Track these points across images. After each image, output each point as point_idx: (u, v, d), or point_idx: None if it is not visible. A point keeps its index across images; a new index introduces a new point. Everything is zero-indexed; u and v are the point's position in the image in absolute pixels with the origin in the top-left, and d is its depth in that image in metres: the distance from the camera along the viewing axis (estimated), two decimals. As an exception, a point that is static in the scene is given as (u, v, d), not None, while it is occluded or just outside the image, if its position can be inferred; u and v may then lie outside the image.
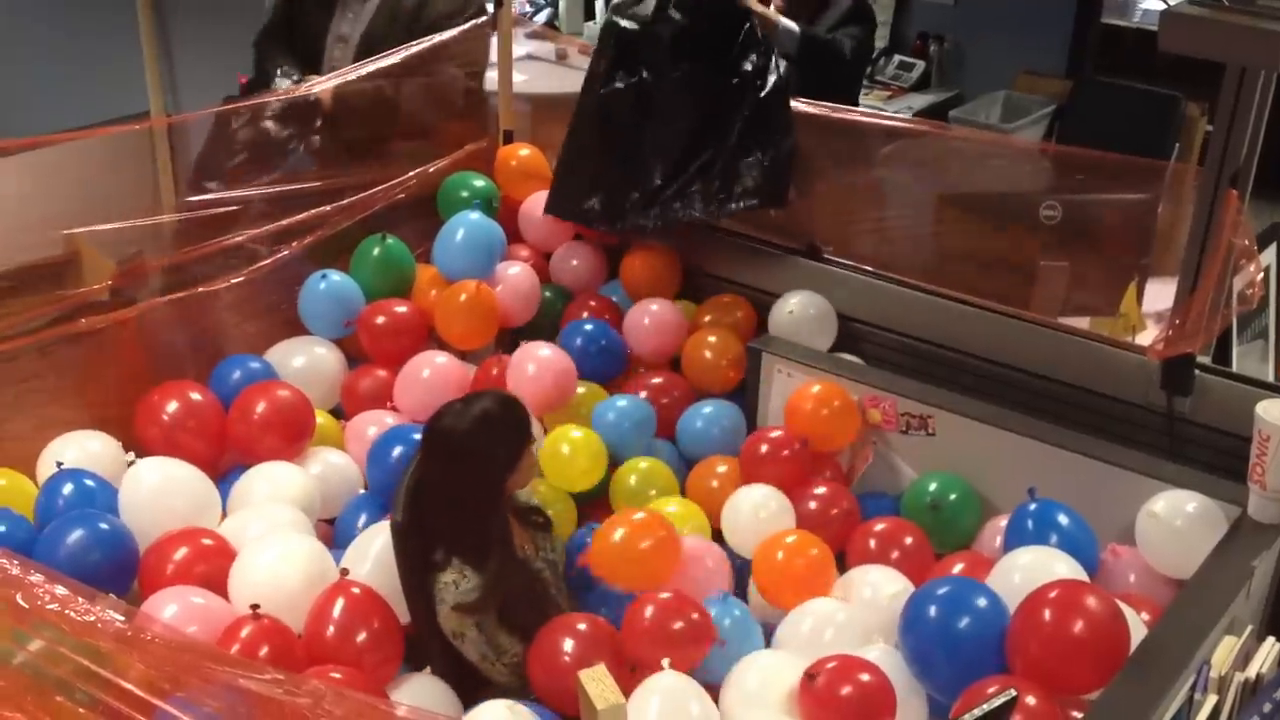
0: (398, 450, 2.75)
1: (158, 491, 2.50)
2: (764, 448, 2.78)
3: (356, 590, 2.24)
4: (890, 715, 2.05)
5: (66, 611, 1.47)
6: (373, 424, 2.94)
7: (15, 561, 1.56)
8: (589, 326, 3.21)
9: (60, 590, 1.49)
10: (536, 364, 2.97)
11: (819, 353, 3.05)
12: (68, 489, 2.52)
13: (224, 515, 2.61)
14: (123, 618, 1.46)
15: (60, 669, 1.45)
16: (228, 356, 3.03)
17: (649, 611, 2.24)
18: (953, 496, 2.68)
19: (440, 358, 3.09)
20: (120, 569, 2.35)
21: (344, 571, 2.29)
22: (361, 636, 2.17)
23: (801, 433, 2.79)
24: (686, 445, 3.03)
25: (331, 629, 2.17)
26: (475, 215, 3.32)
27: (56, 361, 2.76)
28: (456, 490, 2.32)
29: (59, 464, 2.59)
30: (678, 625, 2.22)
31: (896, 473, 2.82)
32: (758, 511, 2.65)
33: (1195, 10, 2.33)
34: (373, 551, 2.41)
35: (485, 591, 2.28)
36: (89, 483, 2.55)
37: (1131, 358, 2.71)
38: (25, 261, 2.81)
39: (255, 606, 2.14)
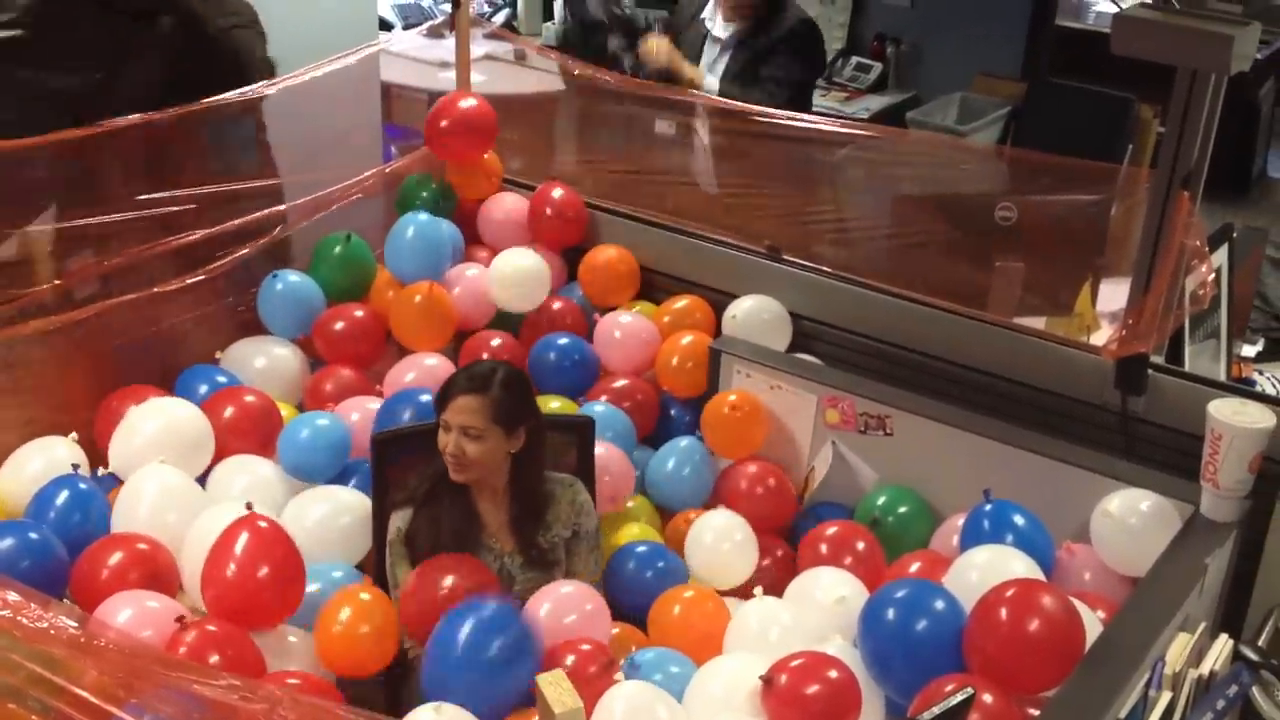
0: (408, 413, 2.81)
1: (155, 508, 2.48)
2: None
3: (263, 524, 2.27)
4: (856, 711, 2.06)
5: (19, 618, 1.45)
6: (356, 410, 2.95)
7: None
8: (563, 341, 3.18)
9: (12, 596, 1.47)
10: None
11: (778, 353, 3.06)
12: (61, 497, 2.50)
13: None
14: (76, 624, 1.44)
15: (12, 676, 1.42)
16: (191, 366, 3.00)
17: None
18: (902, 509, 2.71)
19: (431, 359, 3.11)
20: (50, 577, 2.32)
21: (249, 505, 2.32)
22: (263, 571, 2.21)
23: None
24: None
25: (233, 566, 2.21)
26: (424, 216, 3.32)
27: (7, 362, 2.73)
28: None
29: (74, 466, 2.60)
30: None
31: (856, 473, 2.83)
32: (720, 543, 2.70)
33: (1146, 14, 2.36)
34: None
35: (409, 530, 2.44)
36: (82, 486, 2.55)
37: (1086, 357, 2.73)
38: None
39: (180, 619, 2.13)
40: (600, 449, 2.76)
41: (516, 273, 3.29)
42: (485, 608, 2.12)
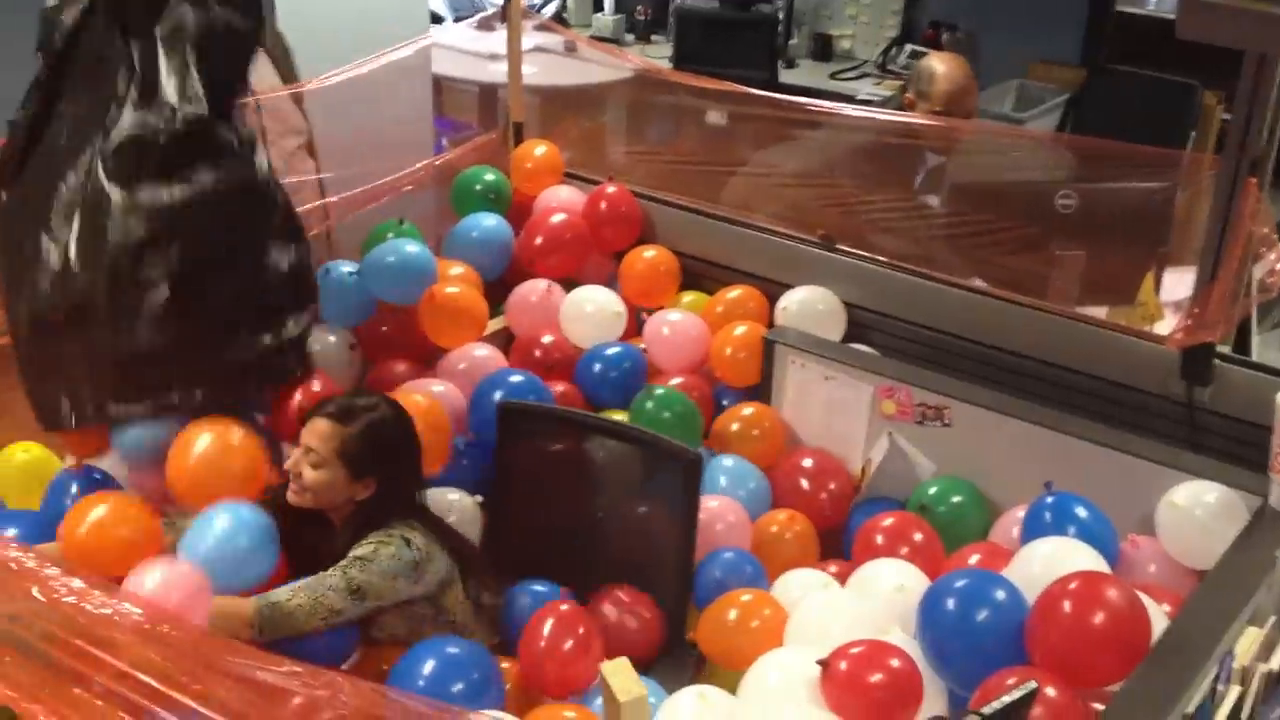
0: (498, 394, 2.82)
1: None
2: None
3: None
4: (918, 702, 2.03)
5: (83, 604, 1.47)
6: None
7: (30, 554, 1.55)
8: (612, 350, 3.13)
9: (76, 583, 1.49)
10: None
11: (832, 343, 3.04)
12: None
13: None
14: (140, 611, 1.46)
15: (77, 661, 1.44)
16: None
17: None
18: (955, 499, 2.67)
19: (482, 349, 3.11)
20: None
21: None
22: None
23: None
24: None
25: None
26: (492, 220, 3.36)
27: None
28: None
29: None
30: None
31: (913, 464, 2.80)
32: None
33: (1214, -3, 2.31)
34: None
35: None
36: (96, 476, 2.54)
37: (1150, 347, 2.68)
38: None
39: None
40: (715, 502, 2.67)
41: (596, 313, 3.24)
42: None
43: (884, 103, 4.29)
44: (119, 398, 2.41)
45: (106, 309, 2.34)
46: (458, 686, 2.07)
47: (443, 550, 2.30)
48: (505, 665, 2.28)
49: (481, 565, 2.44)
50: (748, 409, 2.97)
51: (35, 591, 1.50)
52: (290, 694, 1.36)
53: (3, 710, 1.46)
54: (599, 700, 2.18)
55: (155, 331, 2.35)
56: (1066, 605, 2.00)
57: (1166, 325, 2.83)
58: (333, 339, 3.09)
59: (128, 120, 2.35)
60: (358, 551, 2.19)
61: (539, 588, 2.47)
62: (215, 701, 1.36)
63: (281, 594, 2.10)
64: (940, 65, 3.49)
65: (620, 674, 1.40)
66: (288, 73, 3.44)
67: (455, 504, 2.69)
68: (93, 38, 2.42)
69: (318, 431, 2.25)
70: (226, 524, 2.15)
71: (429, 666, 2.09)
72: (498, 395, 2.82)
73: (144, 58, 2.38)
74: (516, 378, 2.91)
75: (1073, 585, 2.03)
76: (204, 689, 1.37)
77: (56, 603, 1.48)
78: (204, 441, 2.34)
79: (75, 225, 2.36)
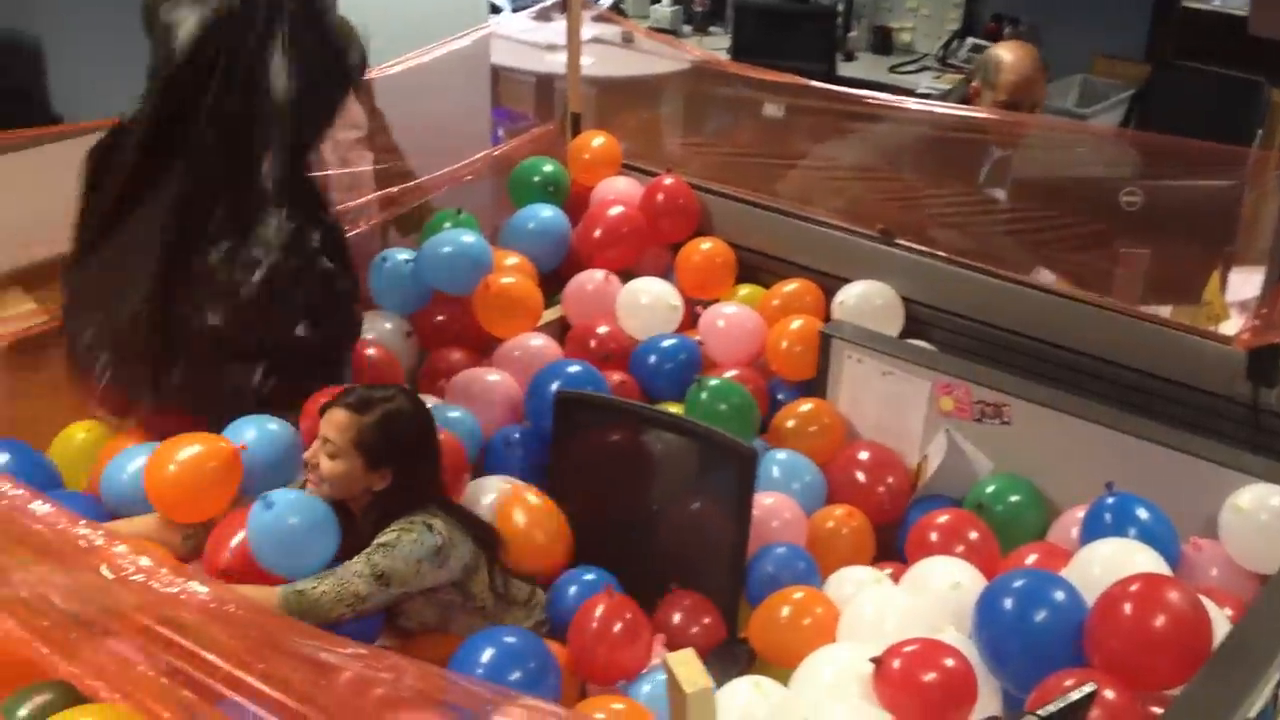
0: (555, 384, 2.83)
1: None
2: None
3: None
4: (971, 702, 2.02)
5: (151, 583, 1.49)
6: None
7: (100, 531, 1.58)
8: (667, 342, 3.13)
9: (144, 561, 1.51)
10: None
11: (890, 338, 3.02)
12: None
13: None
14: (207, 590, 1.48)
15: (143, 639, 1.46)
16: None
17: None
18: (1013, 498, 2.64)
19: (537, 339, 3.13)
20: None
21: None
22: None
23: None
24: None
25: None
26: (549, 212, 3.36)
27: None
28: None
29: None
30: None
31: (971, 462, 2.77)
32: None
33: (1290, -9, 2.27)
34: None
35: None
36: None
37: (1215, 348, 2.65)
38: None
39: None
40: (771, 499, 2.67)
41: (652, 304, 3.24)
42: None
43: (945, 95, 4.23)
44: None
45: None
46: (515, 675, 2.09)
47: (466, 537, 2.31)
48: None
49: (506, 551, 2.45)
50: (806, 405, 2.96)
51: (104, 569, 1.52)
52: (354, 675, 1.38)
53: None
54: (645, 688, 2.20)
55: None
56: (1127, 607, 1.98)
57: (1232, 325, 2.79)
58: (389, 326, 3.12)
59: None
60: (380, 539, 2.20)
61: (589, 576, 2.48)
62: (279, 681, 1.38)
63: (306, 583, 2.11)
64: (1007, 55, 3.45)
65: (686, 665, 1.39)
66: None
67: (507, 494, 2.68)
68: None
69: (335, 422, 2.26)
70: (289, 510, 2.18)
71: (487, 655, 2.11)
72: (556, 385, 2.83)
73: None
74: (575, 367, 2.92)
75: (1134, 587, 2.01)
76: (268, 669, 1.39)
77: (125, 580, 1.51)
78: (181, 454, 2.32)
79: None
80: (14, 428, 2.55)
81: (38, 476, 2.43)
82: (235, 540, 2.24)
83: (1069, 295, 2.87)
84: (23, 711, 1.67)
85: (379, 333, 3.09)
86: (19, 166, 2.84)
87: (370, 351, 2.90)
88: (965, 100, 3.59)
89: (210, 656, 1.41)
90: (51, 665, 1.50)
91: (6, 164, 2.82)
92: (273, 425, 2.46)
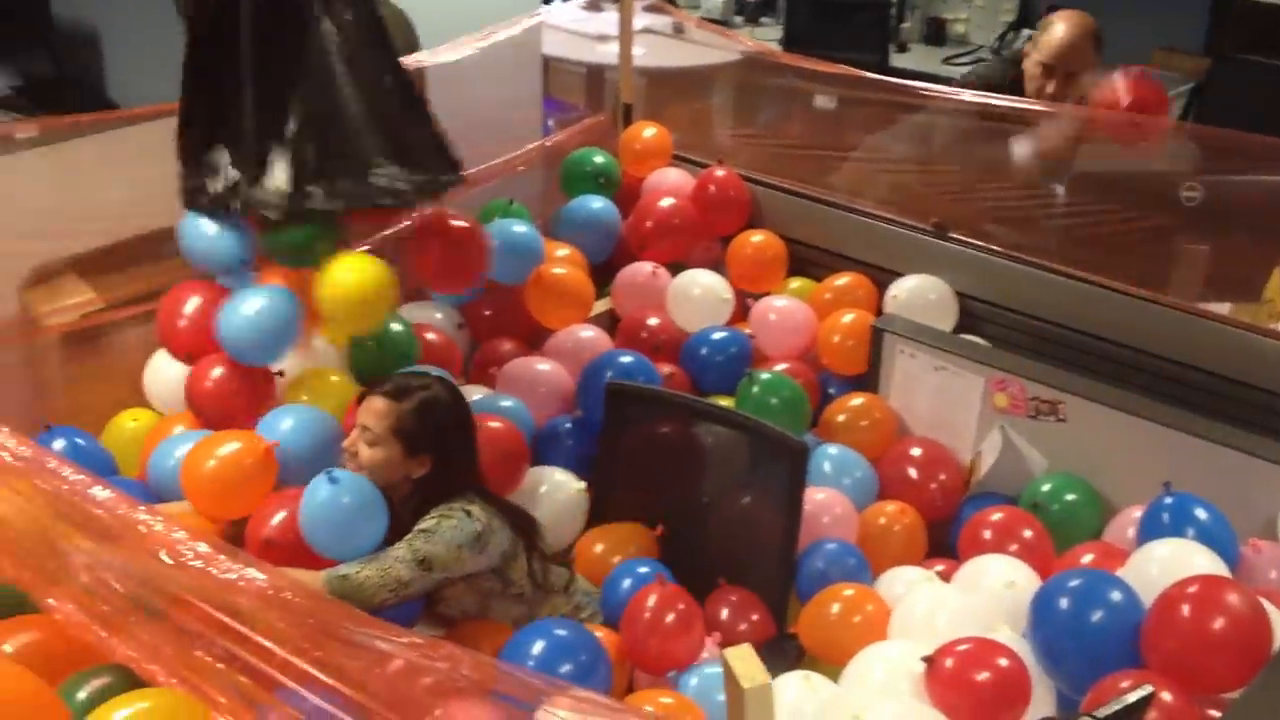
0: (608, 374, 2.85)
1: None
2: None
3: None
4: (1025, 703, 2.00)
5: (209, 569, 1.50)
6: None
7: (159, 517, 1.59)
8: (718, 335, 3.13)
9: (202, 547, 1.52)
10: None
11: (943, 333, 2.99)
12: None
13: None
14: (264, 576, 1.49)
15: (200, 624, 1.48)
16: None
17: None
18: (1069, 497, 2.61)
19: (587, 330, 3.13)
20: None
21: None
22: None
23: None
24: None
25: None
26: (600, 203, 3.36)
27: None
28: None
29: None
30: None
31: (1026, 459, 2.74)
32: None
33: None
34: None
35: None
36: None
37: (1275, 345, 2.61)
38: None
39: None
40: (822, 494, 2.65)
41: (703, 296, 3.24)
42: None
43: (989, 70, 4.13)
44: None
45: None
46: (566, 667, 2.09)
47: (504, 524, 2.32)
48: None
49: (543, 539, 2.45)
50: (857, 399, 2.94)
51: (163, 554, 1.53)
52: (407, 664, 1.38)
53: None
54: (693, 681, 2.19)
55: None
56: (1185, 609, 1.95)
57: (1294, 324, 2.74)
58: (440, 317, 3.13)
59: None
60: (421, 525, 2.22)
61: (643, 568, 2.48)
62: (333, 668, 1.39)
63: (349, 567, 2.12)
64: (1060, 21, 3.45)
65: (745, 660, 1.39)
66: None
67: (562, 485, 2.69)
68: None
69: (374, 409, 2.28)
70: (347, 489, 2.19)
71: (538, 647, 2.11)
72: (608, 375, 2.83)
73: None
74: (627, 358, 2.93)
75: (1192, 589, 1.97)
76: (323, 655, 1.40)
77: (183, 566, 1.52)
78: (220, 450, 2.33)
79: None
80: (67, 416, 2.59)
81: (94, 463, 2.46)
82: (277, 518, 2.27)
83: (1127, 291, 2.83)
84: (81, 694, 1.69)
85: (431, 323, 3.10)
86: (76, 154, 2.88)
87: (430, 336, 2.92)
88: (1016, 62, 3.55)
89: (266, 642, 1.42)
90: (110, 649, 1.52)
91: (64, 151, 2.85)
92: (310, 415, 2.47)
